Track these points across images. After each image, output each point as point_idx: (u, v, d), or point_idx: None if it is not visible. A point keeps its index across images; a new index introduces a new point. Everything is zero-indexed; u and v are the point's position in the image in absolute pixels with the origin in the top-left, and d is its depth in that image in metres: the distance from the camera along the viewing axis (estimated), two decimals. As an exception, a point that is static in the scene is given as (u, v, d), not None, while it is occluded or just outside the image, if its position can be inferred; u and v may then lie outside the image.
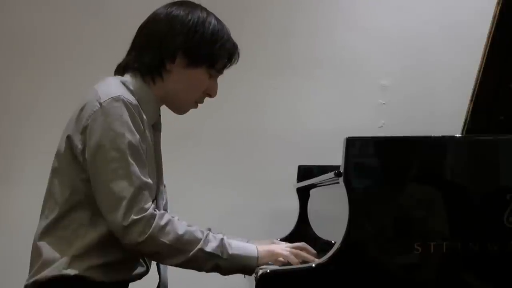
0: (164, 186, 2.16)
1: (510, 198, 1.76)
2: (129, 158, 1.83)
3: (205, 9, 2.02)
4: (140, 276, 2.01)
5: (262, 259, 1.92)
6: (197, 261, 1.87)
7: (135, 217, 1.79)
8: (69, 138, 1.89)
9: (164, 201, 2.15)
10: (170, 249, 1.84)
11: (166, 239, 1.83)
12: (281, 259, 1.94)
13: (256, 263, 1.91)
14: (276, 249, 1.97)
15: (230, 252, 1.88)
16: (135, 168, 1.83)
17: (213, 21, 2.00)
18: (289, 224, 2.72)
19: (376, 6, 3.41)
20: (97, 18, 3.37)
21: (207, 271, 1.90)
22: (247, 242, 2.00)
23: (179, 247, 1.85)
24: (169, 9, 2.00)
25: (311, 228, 2.58)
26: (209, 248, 1.87)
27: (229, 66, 2.05)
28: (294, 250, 1.98)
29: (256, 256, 1.91)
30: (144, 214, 1.80)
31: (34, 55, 3.38)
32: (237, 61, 2.06)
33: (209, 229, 1.97)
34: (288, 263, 1.91)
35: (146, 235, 1.80)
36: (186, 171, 3.29)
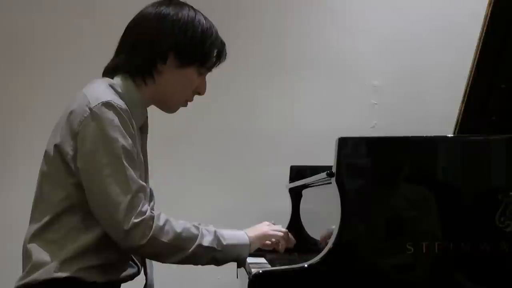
0: (150, 189, 2.16)
1: (502, 198, 1.76)
2: (124, 162, 1.83)
3: (192, 7, 2.03)
4: (131, 277, 2.02)
5: (253, 244, 2.01)
6: (196, 257, 1.90)
7: (135, 221, 1.80)
8: (58, 144, 1.88)
9: (152, 203, 2.16)
10: (170, 248, 1.86)
11: (166, 238, 1.84)
12: (269, 242, 2.07)
13: (248, 250, 1.99)
14: (265, 230, 2.07)
15: (224, 243, 1.93)
16: (131, 172, 1.84)
17: (202, 19, 2.00)
18: (282, 224, 2.70)
19: (368, 7, 3.41)
20: (92, 18, 3.37)
21: (204, 264, 1.94)
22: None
23: (179, 245, 1.87)
24: (157, 8, 2.00)
25: (304, 228, 2.58)
26: (206, 242, 1.90)
27: (218, 64, 2.06)
28: (283, 234, 2.11)
29: (248, 243, 1.99)
30: (143, 217, 1.81)
31: (28, 56, 3.37)
32: (225, 58, 2.07)
33: (199, 224, 1.99)
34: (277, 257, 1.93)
35: (148, 237, 1.81)
36: (178, 172, 3.29)
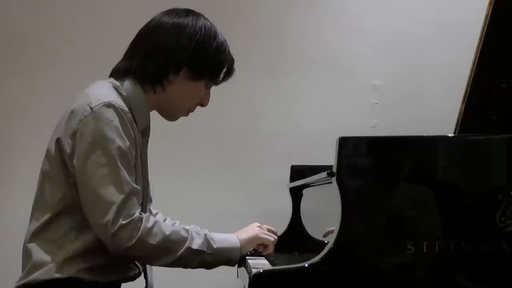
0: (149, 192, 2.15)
1: (502, 198, 1.76)
2: (119, 164, 1.82)
3: (208, 20, 2.03)
4: (132, 278, 2.01)
5: (244, 247, 2.01)
6: (185, 260, 1.89)
7: (123, 222, 1.79)
8: (59, 141, 1.88)
9: (149, 204, 2.16)
10: (158, 250, 1.85)
11: (154, 241, 1.83)
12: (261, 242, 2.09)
13: (239, 253, 1.99)
14: (256, 233, 2.07)
15: (215, 246, 1.93)
16: (125, 174, 1.83)
17: (217, 35, 2.02)
18: (282, 224, 2.72)
19: (368, 6, 3.41)
20: (90, 18, 3.36)
21: (194, 267, 1.93)
22: None
23: (167, 247, 1.86)
24: (175, 19, 2.00)
25: (304, 228, 2.58)
26: (195, 245, 1.90)
27: (226, 80, 2.08)
28: (274, 239, 2.14)
29: (239, 246, 1.99)
30: (131, 218, 1.81)
31: (26, 56, 3.37)
32: (233, 75, 2.08)
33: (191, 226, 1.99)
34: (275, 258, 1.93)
35: (135, 239, 1.80)
36: (178, 172, 3.29)
